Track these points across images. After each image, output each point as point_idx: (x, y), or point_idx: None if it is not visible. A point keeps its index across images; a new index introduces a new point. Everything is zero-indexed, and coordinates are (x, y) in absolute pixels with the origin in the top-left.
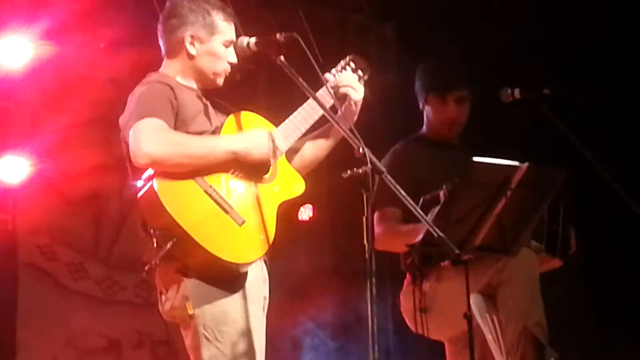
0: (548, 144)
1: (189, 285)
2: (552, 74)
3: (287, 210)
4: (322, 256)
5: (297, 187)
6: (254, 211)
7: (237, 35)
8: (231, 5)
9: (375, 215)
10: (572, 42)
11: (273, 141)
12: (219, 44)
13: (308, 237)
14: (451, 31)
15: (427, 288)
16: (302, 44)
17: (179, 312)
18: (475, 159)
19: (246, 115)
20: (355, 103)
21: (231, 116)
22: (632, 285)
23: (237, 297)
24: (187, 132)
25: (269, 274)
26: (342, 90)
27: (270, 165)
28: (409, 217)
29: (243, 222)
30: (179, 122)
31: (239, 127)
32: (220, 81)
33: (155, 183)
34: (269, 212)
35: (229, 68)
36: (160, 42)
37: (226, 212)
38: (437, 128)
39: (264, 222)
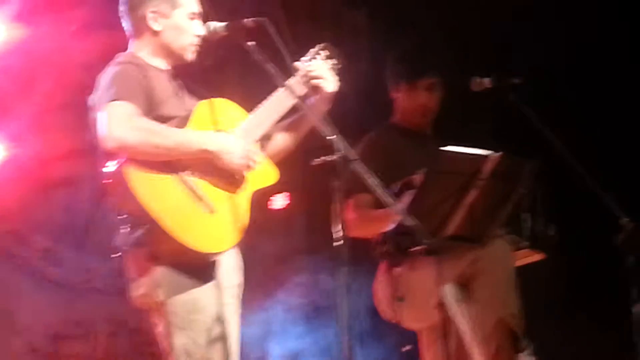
0: (521, 134)
1: (160, 272)
2: (525, 62)
3: (261, 199)
4: (295, 244)
5: (270, 175)
6: (226, 200)
7: (202, 9)
8: None
9: (349, 202)
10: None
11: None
12: (182, 16)
13: (281, 225)
14: (425, 18)
15: (401, 276)
16: (271, 29)
17: (149, 299)
18: (445, 148)
19: (218, 103)
20: (329, 94)
21: (202, 102)
22: (605, 275)
23: (208, 286)
24: (158, 116)
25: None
26: (314, 81)
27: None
28: (381, 204)
29: (213, 210)
30: (150, 105)
31: (211, 114)
32: (188, 56)
33: (125, 168)
34: (241, 200)
35: (196, 41)
36: (124, 24)
37: (198, 199)
38: (408, 116)
39: (235, 211)
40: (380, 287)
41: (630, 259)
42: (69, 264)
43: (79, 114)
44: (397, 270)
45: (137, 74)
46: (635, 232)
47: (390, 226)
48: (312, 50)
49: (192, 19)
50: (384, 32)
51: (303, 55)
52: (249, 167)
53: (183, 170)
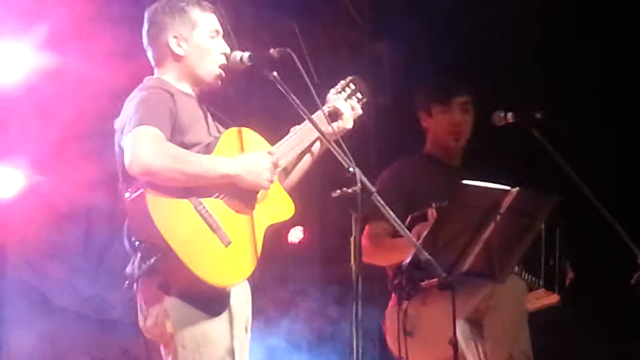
0: (543, 168)
1: (170, 303)
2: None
3: (277, 232)
4: (311, 278)
5: (287, 210)
6: (241, 232)
7: (222, 27)
8: (226, 20)
9: (366, 228)
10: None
11: (274, 166)
12: (203, 36)
13: (297, 259)
14: (446, 51)
15: (411, 310)
16: (296, 59)
17: (158, 329)
18: (465, 182)
19: (243, 132)
20: (345, 130)
21: (229, 130)
22: (621, 313)
23: (218, 319)
24: (183, 142)
25: (252, 295)
26: (336, 113)
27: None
28: (397, 233)
29: (229, 243)
30: (175, 131)
31: (236, 144)
32: (214, 80)
33: (146, 194)
34: (256, 234)
35: (222, 60)
36: (148, 55)
37: (214, 231)
38: (442, 141)
39: (250, 244)
40: (390, 320)
41: None
42: (84, 294)
43: (101, 143)
44: (408, 303)
45: (165, 100)
46: None
47: (405, 259)
48: (341, 82)
49: (213, 37)
50: (404, 64)
51: (327, 86)
52: (268, 183)
53: (202, 195)
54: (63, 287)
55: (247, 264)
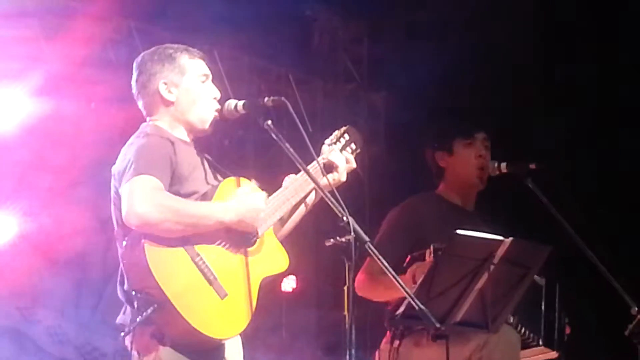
0: (537, 218)
1: (164, 354)
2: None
3: (271, 281)
4: (304, 327)
5: (281, 262)
6: (237, 284)
7: (211, 71)
8: (222, 69)
9: (366, 262)
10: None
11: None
12: (193, 81)
13: (290, 307)
14: (441, 102)
15: (403, 349)
16: (290, 108)
17: None
18: (459, 232)
19: (241, 182)
20: (339, 182)
21: (226, 181)
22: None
23: None
24: (179, 192)
25: (244, 344)
26: (334, 172)
27: (257, 236)
28: (397, 269)
29: (226, 295)
30: (174, 180)
31: (233, 194)
32: (207, 127)
33: (144, 245)
34: (252, 286)
35: (215, 105)
36: (139, 105)
37: (210, 283)
38: (465, 178)
39: (245, 297)
40: (381, 357)
41: None
42: (76, 341)
43: (94, 190)
44: (400, 343)
45: (165, 148)
46: None
47: (399, 296)
48: (335, 133)
49: (203, 82)
50: (400, 114)
51: (322, 135)
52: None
53: (199, 243)
54: (54, 334)
55: (243, 317)
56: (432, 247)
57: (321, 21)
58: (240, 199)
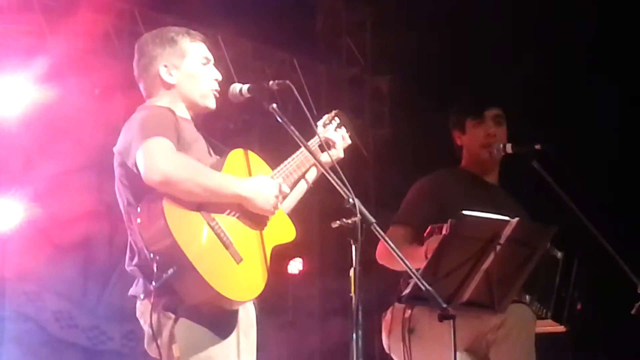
0: (543, 199)
1: (177, 325)
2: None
3: (278, 263)
4: (311, 309)
5: (289, 233)
6: (252, 251)
7: (214, 56)
8: (226, 54)
9: (390, 229)
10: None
11: (280, 192)
12: (194, 64)
13: (297, 290)
14: (446, 85)
15: (417, 311)
16: (295, 91)
17: (164, 351)
18: (465, 212)
19: (248, 154)
20: (338, 159)
21: (234, 152)
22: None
23: (225, 343)
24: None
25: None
26: (332, 149)
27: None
28: (419, 237)
29: (241, 260)
30: (179, 146)
31: (242, 165)
32: (210, 103)
33: (163, 204)
34: (264, 253)
35: (215, 86)
36: (140, 86)
37: (226, 247)
38: (476, 155)
39: (260, 262)
40: (392, 316)
41: None
42: (82, 325)
43: (99, 175)
44: (412, 308)
45: (167, 115)
46: None
47: (419, 266)
48: (326, 116)
49: (205, 64)
50: (406, 97)
51: (318, 120)
52: (274, 210)
53: (213, 212)
54: (61, 318)
55: (258, 281)
56: (450, 222)
57: (324, 5)
58: (257, 180)
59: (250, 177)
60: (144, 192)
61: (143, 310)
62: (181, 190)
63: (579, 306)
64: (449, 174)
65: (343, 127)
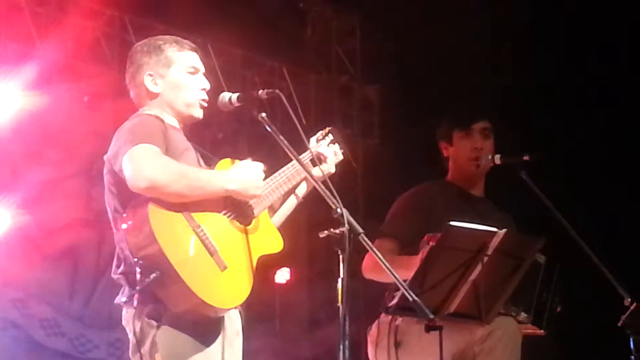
0: (531, 210)
1: (160, 333)
2: (535, 137)
3: (265, 272)
4: (298, 318)
5: (276, 243)
6: (237, 259)
7: (205, 65)
8: (216, 62)
9: (376, 242)
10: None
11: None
12: (179, 73)
13: (284, 299)
14: (436, 95)
15: (403, 324)
16: (284, 100)
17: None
18: (453, 223)
19: (237, 163)
20: (328, 174)
21: (222, 162)
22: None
23: (208, 352)
24: None
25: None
26: (324, 164)
27: (254, 215)
28: (405, 249)
29: (225, 267)
30: (168, 154)
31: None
32: (195, 112)
33: (149, 209)
34: (250, 262)
35: (202, 95)
36: (131, 95)
37: (211, 254)
38: (463, 168)
39: (244, 270)
40: (379, 329)
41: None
42: (69, 334)
43: (87, 183)
44: (398, 320)
45: (157, 123)
46: (637, 313)
47: (406, 277)
48: (320, 132)
49: (192, 73)
50: (395, 107)
51: (317, 128)
52: (260, 190)
53: (201, 216)
54: (47, 326)
55: (243, 289)
56: (445, 228)
57: (314, 14)
58: (242, 169)
59: (232, 167)
60: (130, 199)
61: (128, 318)
62: (168, 194)
63: (559, 309)
64: (434, 187)
65: (336, 144)
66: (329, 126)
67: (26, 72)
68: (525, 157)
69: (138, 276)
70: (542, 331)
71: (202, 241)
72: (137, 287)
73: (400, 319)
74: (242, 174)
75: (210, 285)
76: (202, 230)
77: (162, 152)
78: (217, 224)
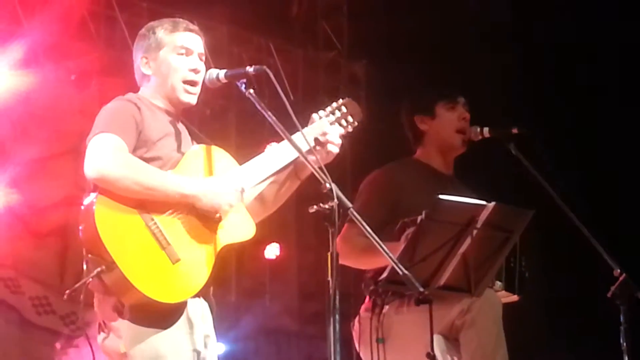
0: (519, 184)
1: (122, 325)
2: (522, 111)
3: (254, 249)
4: (288, 294)
5: (246, 231)
6: (194, 250)
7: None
8: (203, 39)
9: (344, 227)
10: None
11: (237, 197)
12: (169, 54)
13: (274, 275)
14: (422, 69)
15: (384, 318)
16: (272, 76)
17: (112, 348)
18: (442, 196)
19: (210, 150)
20: (331, 155)
21: (193, 150)
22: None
23: (169, 333)
24: (143, 155)
25: (214, 312)
26: (323, 139)
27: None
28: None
29: (177, 260)
30: (140, 142)
31: (200, 163)
32: (183, 97)
33: (95, 206)
34: (209, 252)
35: (190, 76)
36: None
37: (162, 248)
38: (446, 141)
39: (199, 262)
40: (362, 325)
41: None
42: (61, 312)
43: (75, 161)
44: (382, 310)
45: (129, 110)
46: (626, 284)
47: (382, 267)
48: (333, 104)
49: (180, 54)
50: (381, 82)
51: (304, 103)
52: (220, 211)
53: (158, 212)
54: (38, 304)
55: (195, 282)
56: (424, 213)
57: None
58: (208, 181)
59: (207, 177)
60: (89, 186)
61: (97, 304)
62: (117, 188)
63: (526, 276)
64: (401, 167)
65: (344, 121)
66: (338, 100)
67: (13, 51)
68: (514, 130)
69: (85, 270)
70: (515, 296)
71: (154, 234)
72: (86, 280)
73: (383, 313)
74: (208, 185)
75: (156, 278)
76: (154, 223)
77: (129, 142)
78: (174, 215)
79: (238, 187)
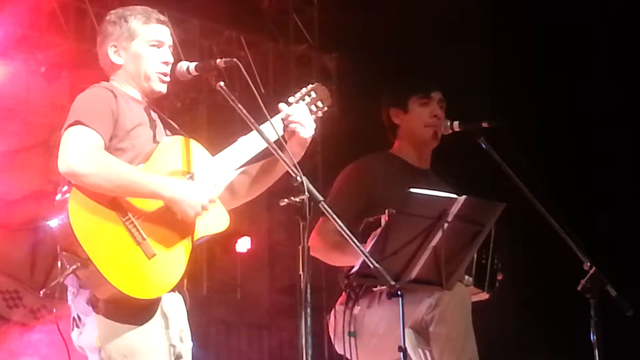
0: (491, 176)
1: (97, 320)
2: (496, 105)
3: (226, 242)
4: (259, 287)
5: (220, 223)
6: (168, 244)
7: (167, 40)
8: (173, 32)
9: (319, 222)
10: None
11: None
12: (141, 45)
13: (245, 268)
14: (393, 62)
15: (357, 312)
16: (243, 69)
17: (86, 343)
18: (413, 190)
19: (182, 142)
20: (303, 140)
21: (165, 142)
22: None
23: (144, 329)
24: (116, 145)
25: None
26: (292, 125)
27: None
28: (350, 228)
29: (153, 255)
30: (115, 131)
31: (173, 155)
32: (155, 86)
33: (68, 202)
34: (185, 246)
35: (162, 69)
36: (101, 64)
37: (138, 243)
38: (419, 136)
39: (175, 256)
40: (336, 318)
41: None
42: (32, 306)
43: (46, 155)
44: (355, 304)
45: (107, 98)
46: (596, 277)
47: (354, 265)
48: (302, 90)
49: (155, 46)
50: (352, 75)
51: (275, 96)
52: (197, 214)
53: (132, 210)
54: (9, 298)
55: (171, 277)
56: (387, 212)
57: None
58: (183, 185)
59: (179, 179)
60: (65, 181)
61: (72, 298)
62: (88, 184)
63: (499, 276)
64: (375, 161)
65: (314, 107)
66: (307, 85)
67: None
68: (484, 124)
69: (60, 266)
70: (485, 294)
71: (129, 230)
72: (61, 279)
73: (357, 307)
74: (180, 186)
75: (131, 275)
76: (129, 219)
77: (105, 133)
78: (149, 210)
79: (212, 183)
